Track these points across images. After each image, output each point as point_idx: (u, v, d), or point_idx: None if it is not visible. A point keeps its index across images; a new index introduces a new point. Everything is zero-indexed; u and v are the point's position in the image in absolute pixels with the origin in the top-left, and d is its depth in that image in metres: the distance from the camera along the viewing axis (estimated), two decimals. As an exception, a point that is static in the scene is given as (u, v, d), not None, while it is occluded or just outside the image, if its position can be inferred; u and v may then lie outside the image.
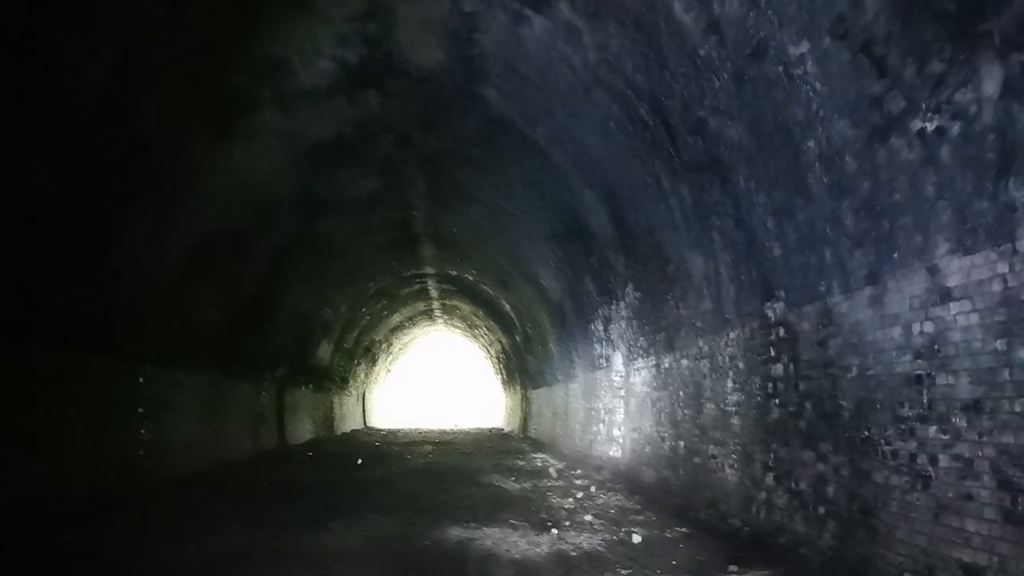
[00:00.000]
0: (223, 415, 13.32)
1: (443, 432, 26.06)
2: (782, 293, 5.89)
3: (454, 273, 20.14)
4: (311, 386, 19.75)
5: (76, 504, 7.51)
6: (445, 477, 11.26)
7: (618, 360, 11.34)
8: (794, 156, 5.24)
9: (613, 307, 11.11)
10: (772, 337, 6.08)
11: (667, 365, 8.90)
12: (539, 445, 17.66)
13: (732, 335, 6.96)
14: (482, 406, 38.45)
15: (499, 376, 29.84)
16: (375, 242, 16.60)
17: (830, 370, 5.17)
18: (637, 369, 10.16)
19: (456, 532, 6.82)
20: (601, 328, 11.95)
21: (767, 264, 6.08)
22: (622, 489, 9.57)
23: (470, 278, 20.13)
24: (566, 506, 8.47)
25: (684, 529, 6.95)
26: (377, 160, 11.91)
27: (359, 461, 13.57)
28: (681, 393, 8.38)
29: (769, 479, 6.02)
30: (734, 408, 6.87)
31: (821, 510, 5.21)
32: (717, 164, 6.45)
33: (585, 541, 6.48)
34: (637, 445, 10.04)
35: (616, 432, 11.33)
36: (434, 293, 22.89)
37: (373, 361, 27.30)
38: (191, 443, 11.76)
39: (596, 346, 12.46)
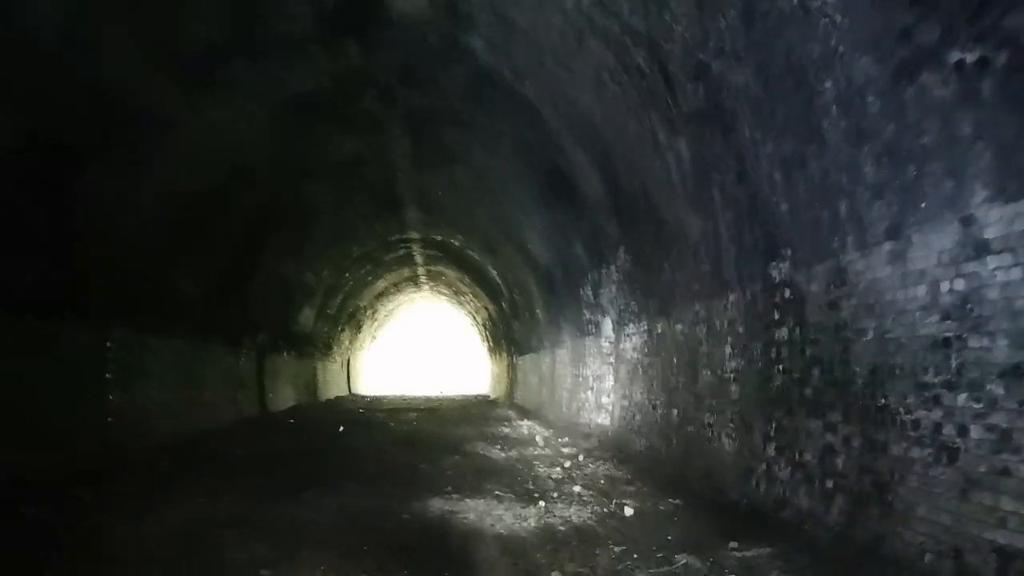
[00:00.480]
0: (200, 382, 12.84)
1: (428, 399, 25.72)
2: (788, 252, 5.45)
3: (439, 238, 19.61)
4: (293, 352, 19.27)
5: (36, 474, 7.05)
6: (429, 445, 10.87)
7: (608, 326, 10.93)
8: (807, 100, 4.76)
9: (603, 272, 10.66)
10: (776, 300, 5.66)
11: (660, 331, 8.49)
12: (525, 412, 17.32)
13: (732, 298, 6.54)
14: (468, 373, 38.18)
15: (485, 343, 29.48)
16: (359, 206, 16.03)
17: (842, 334, 4.75)
18: (628, 335, 9.76)
19: (438, 504, 6.42)
20: (591, 293, 11.52)
21: (772, 221, 5.64)
22: (611, 458, 9.21)
23: (456, 243, 19.62)
24: (553, 476, 8.10)
25: (678, 501, 6.58)
26: (359, 117, 11.30)
27: (341, 429, 13.16)
28: (675, 359, 7.98)
29: (770, 450, 5.64)
30: (732, 375, 6.47)
31: (829, 484, 4.83)
32: (720, 113, 5.96)
33: (574, 514, 6.11)
34: (627, 413, 9.67)
35: (605, 399, 10.97)
36: (419, 259, 22.36)
37: (357, 328, 26.82)
38: (166, 411, 11.29)
39: (585, 312, 12.04)
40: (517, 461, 9.32)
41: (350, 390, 27.05)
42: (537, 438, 11.51)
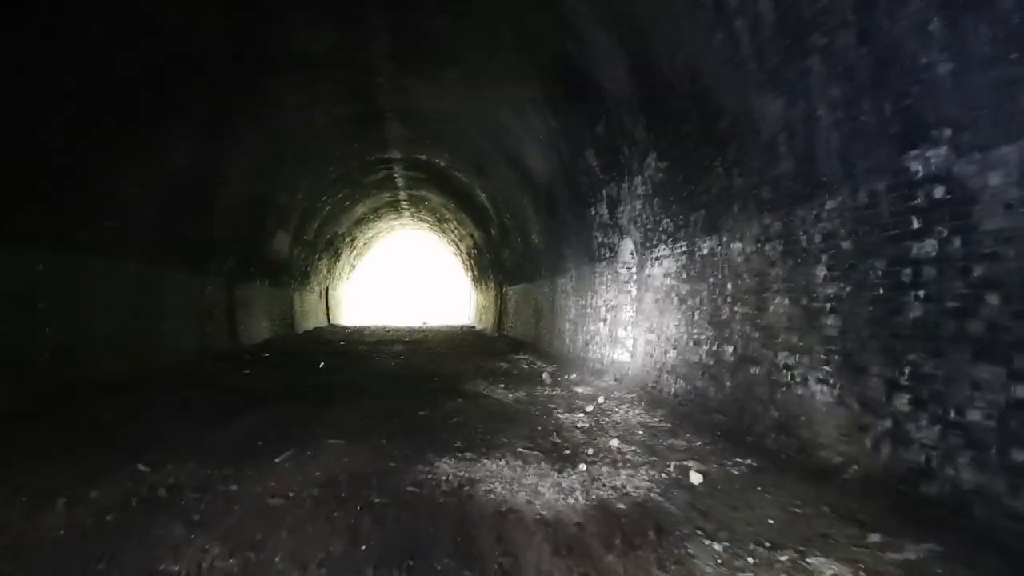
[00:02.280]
0: (158, 312, 11.08)
1: (412, 330, 24.18)
2: (947, 133, 3.80)
3: (423, 158, 17.66)
4: (267, 280, 17.46)
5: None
6: (422, 384, 9.33)
7: (627, 249, 9.32)
8: None
9: (624, 185, 8.97)
10: (918, 201, 4.04)
11: (706, 251, 6.88)
12: (519, 345, 15.84)
13: (830, 204, 4.91)
14: (450, 304, 36.70)
15: (469, 273, 27.85)
16: (333, 115, 13.98)
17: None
18: (657, 258, 8.15)
19: (448, 468, 4.88)
20: (605, 212, 9.85)
21: (919, 92, 3.97)
22: (638, 401, 7.73)
23: (441, 163, 17.70)
24: (579, 425, 6.59)
25: (750, 461, 5.11)
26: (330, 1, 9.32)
27: (321, 365, 11.56)
28: (729, 286, 6.40)
29: (901, 402, 4.12)
30: (830, 304, 4.90)
31: (1018, 455, 3.34)
32: (842, -58, 4.22)
33: (628, 483, 4.59)
34: (655, 349, 8.14)
35: (622, 332, 9.44)
36: (401, 182, 20.40)
37: (336, 256, 24.97)
38: (116, 344, 9.59)
39: (596, 234, 10.39)
40: (530, 404, 7.79)
41: (329, 321, 25.38)
42: (543, 375, 9.99)
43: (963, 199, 3.71)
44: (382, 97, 13.24)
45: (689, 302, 7.21)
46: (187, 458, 4.93)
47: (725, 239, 6.47)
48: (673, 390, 7.41)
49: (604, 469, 4.93)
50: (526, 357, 13.33)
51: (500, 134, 13.26)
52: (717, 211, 6.59)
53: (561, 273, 12.94)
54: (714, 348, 6.60)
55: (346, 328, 24.16)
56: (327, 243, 22.61)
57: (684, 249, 7.34)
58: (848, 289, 4.69)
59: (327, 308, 25.30)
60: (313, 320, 22.86)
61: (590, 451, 5.50)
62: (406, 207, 24.34)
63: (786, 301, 5.45)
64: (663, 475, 4.80)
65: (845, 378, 4.67)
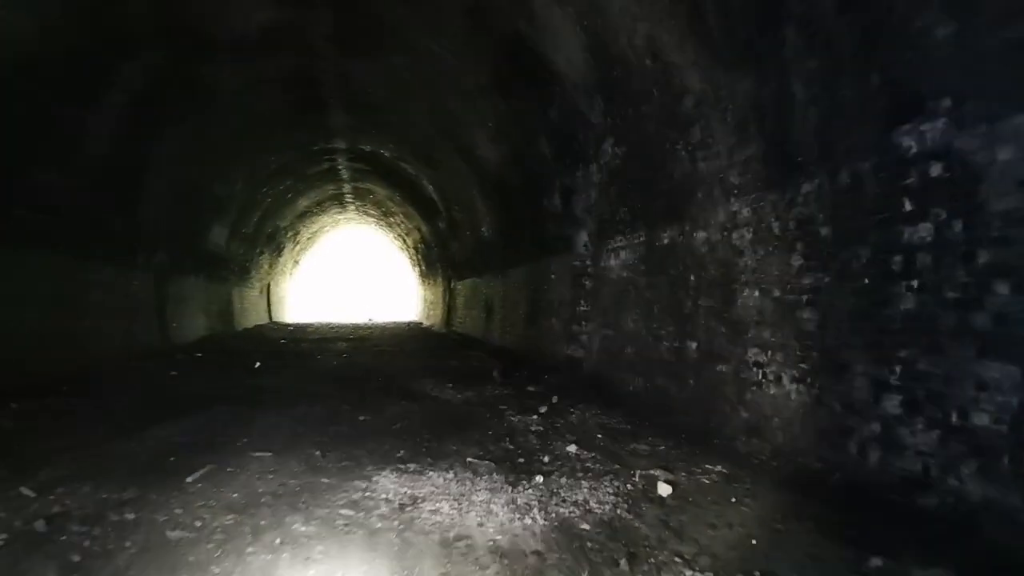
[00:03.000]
0: (79, 308, 10.09)
1: (357, 327, 23.31)
2: (946, 104, 3.38)
3: (368, 148, 16.88)
4: (203, 275, 16.42)
5: None
6: (364, 384, 8.66)
7: (581, 240, 8.84)
8: None
9: (579, 173, 8.47)
10: (910, 180, 3.61)
11: (666, 241, 6.43)
12: (469, 341, 15.23)
13: (807, 188, 4.47)
14: (397, 300, 35.85)
15: (416, 268, 27.09)
16: (274, 101, 13.13)
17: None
18: (614, 250, 7.68)
19: (389, 483, 4.26)
20: (558, 202, 9.35)
21: (911, 60, 3.55)
22: (595, 401, 7.23)
23: (387, 154, 16.95)
24: (533, 428, 6.06)
25: (720, 468, 4.64)
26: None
27: (257, 364, 10.77)
28: (692, 277, 5.96)
29: (890, 404, 3.70)
30: (806, 296, 4.47)
31: (1036, 465, 2.93)
32: None
33: (591, 496, 4.07)
34: (612, 345, 7.67)
35: (576, 328, 8.95)
36: (345, 174, 19.54)
37: (279, 250, 23.90)
38: (27, 344, 8.64)
39: (549, 225, 9.88)
40: (479, 405, 7.22)
41: (271, 318, 24.30)
42: (494, 373, 9.44)
43: (966, 177, 3.29)
44: (325, 83, 12.50)
45: (648, 295, 6.75)
46: (84, 478, 4.20)
47: (688, 227, 6.02)
48: (631, 388, 6.95)
49: (563, 480, 4.40)
50: (476, 354, 12.74)
51: (449, 122, 12.64)
52: (678, 198, 6.13)
53: (513, 265, 12.40)
54: (676, 345, 6.15)
55: (289, 326, 23.15)
56: (268, 237, 21.57)
57: (643, 239, 6.87)
58: (828, 279, 4.26)
59: (269, 305, 24.22)
60: (254, 317, 21.80)
61: (546, 458, 4.96)
62: (351, 200, 23.45)
63: (755, 293, 5.01)
64: (628, 486, 4.29)
65: (823, 376, 4.25)
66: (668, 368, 6.26)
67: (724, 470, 4.61)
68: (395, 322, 26.97)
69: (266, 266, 23.01)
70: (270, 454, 4.88)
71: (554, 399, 7.44)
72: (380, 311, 35.05)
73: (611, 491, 4.18)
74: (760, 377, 4.90)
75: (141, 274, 12.56)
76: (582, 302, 8.84)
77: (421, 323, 25.32)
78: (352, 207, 24.66)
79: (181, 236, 14.53)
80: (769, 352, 4.82)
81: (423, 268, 25.48)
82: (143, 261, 12.62)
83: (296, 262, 28.42)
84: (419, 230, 22.37)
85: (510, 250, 12.35)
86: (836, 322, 4.18)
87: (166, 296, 13.94)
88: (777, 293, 4.76)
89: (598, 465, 4.80)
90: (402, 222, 23.83)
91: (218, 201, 15.89)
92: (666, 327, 6.35)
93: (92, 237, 10.30)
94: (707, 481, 4.41)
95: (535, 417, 6.51)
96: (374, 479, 4.35)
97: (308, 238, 27.45)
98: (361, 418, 6.39)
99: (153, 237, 13.01)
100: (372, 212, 25.24)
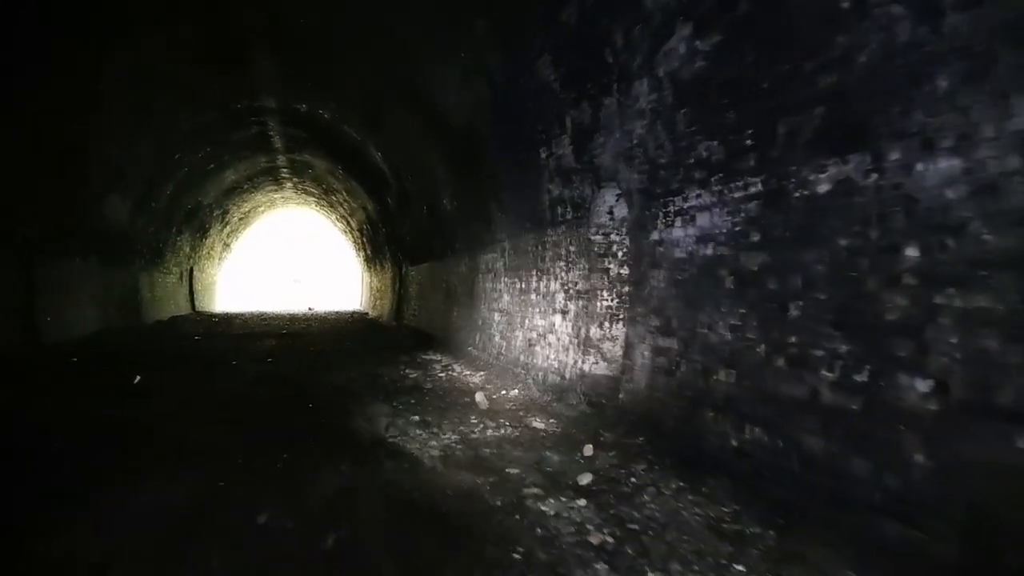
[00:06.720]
0: None
1: (294, 318, 19.74)
2: None
3: (304, 108, 13.44)
4: (95, 257, 12.72)
5: None
6: (287, 419, 5.44)
7: (605, 204, 5.82)
8: None
9: (609, 100, 5.42)
10: None
11: (825, 187, 3.45)
12: (426, 339, 12.00)
13: None
14: (341, 288, 32.24)
15: (362, 253, 23.61)
16: (177, 39, 9.60)
17: None
18: (682, 213, 4.66)
19: None
20: (568, 150, 6.29)
21: None
22: (662, 459, 4.24)
23: (326, 115, 13.53)
24: (586, 534, 3.03)
25: None
26: None
27: (137, 379, 7.36)
28: (907, 250, 3.00)
29: None
30: None
31: None
32: None
33: None
34: (680, 364, 4.65)
35: (595, 332, 5.93)
36: (279, 141, 16.00)
37: (202, 231, 20.07)
38: None
39: (549, 186, 6.81)
40: (471, 468, 4.11)
41: (194, 308, 20.50)
42: (478, 396, 6.28)
43: None
44: (245, 11, 9.12)
45: (770, 285, 3.77)
46: None
47: (892, 154, 3.05)
48: (733, 443, 3.94)
49: None
50: (439, 358, 9.59)
51: (402, 64, 9.37)
52: (864, 100, 3.16)
53: (487, 246, 9.26)
54: (857, 377, 3.18)
55: (213, 316, 19.37)
56: (188, 214, 17.78)
57: (757, 189, 3.87)
58: None
59: (191, 293, 20.39)
60: (171, 307, 18.03)
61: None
62: (287, 176, 19.81)
63: None
64: None
65: None
66: (834, 420, 3.29)
67: None
68: (337, 312, 23.43)
69: (187, 248, 19.21)
70: None
71: (588, 450, 4.41)
72: (321, 300, 31.40)
73: None
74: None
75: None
76: (605, 294, 5.83)
77: (367, 313, 21.91)
78: (289, 184, 21.02)
79: (60, 207, 10.91)
80: None
81: (369, 253, 22.05)
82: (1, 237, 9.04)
83: (227, 245, 24.54)
84: (364, 209, 18.96)
85: (482, 225, 9.22)
86: None
87: (35, 282, 10.32)
88: None
89: None
90: (345, 200, 20.34)
91: (114, 165, 12.23)
92: (820, 341, 3.38)
93: None
94: None
95: (577, 499, 3.47)
96: None
97: (240, 219, 23.63)
98: (259, 520, 3.19)
99: (15, 207, 9.44)
100: (312, 190, 21.65)
